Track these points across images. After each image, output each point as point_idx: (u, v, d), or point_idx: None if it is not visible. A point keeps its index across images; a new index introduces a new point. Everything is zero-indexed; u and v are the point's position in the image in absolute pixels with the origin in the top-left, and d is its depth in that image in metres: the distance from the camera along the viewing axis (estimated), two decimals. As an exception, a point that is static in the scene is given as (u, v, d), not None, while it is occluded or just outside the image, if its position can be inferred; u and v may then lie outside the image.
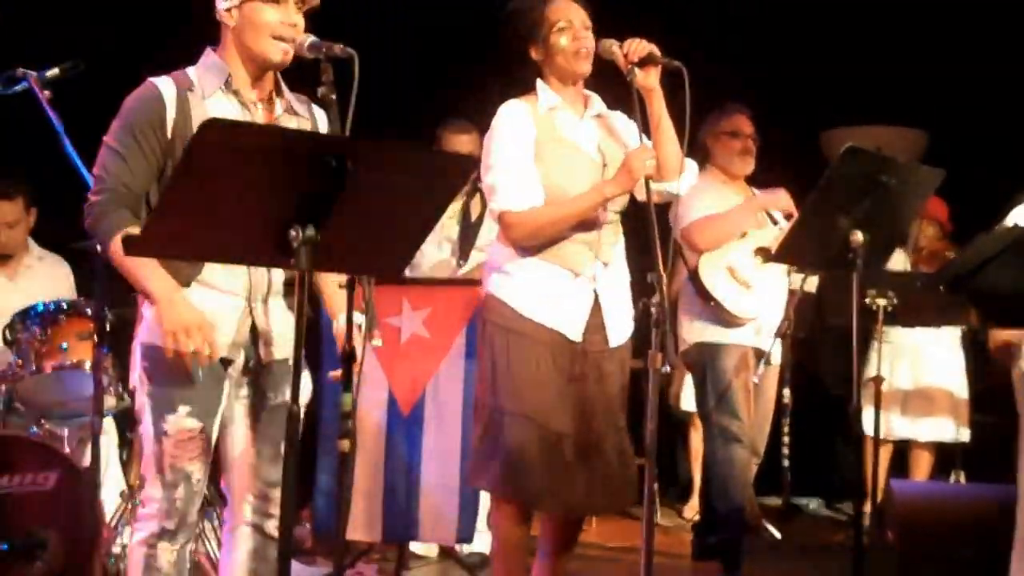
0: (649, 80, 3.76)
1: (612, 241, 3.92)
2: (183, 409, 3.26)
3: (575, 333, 3.82)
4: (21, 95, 3.90)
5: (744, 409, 5.32)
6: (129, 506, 4.45)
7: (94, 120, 4.49)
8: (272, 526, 3.39)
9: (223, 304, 3.31)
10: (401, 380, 5.10)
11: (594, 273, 3.85)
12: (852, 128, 7.16)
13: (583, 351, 3.83)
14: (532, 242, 3.81)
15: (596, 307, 3.86)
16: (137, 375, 3.34)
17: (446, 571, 5.45)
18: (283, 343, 3.35)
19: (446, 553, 5.56)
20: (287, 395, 3.24)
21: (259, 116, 3.33)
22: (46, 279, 5.30)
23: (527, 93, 3.91)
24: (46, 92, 3.79)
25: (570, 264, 3.83)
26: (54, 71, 3.87)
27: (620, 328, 3.92)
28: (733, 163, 5.46)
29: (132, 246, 2.73)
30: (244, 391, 3.40)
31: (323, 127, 3.43)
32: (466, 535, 5.15)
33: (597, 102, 4.00)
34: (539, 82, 3.90)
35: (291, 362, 3.23)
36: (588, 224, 3.83)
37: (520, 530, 3.90)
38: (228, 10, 3.31)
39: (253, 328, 3.36)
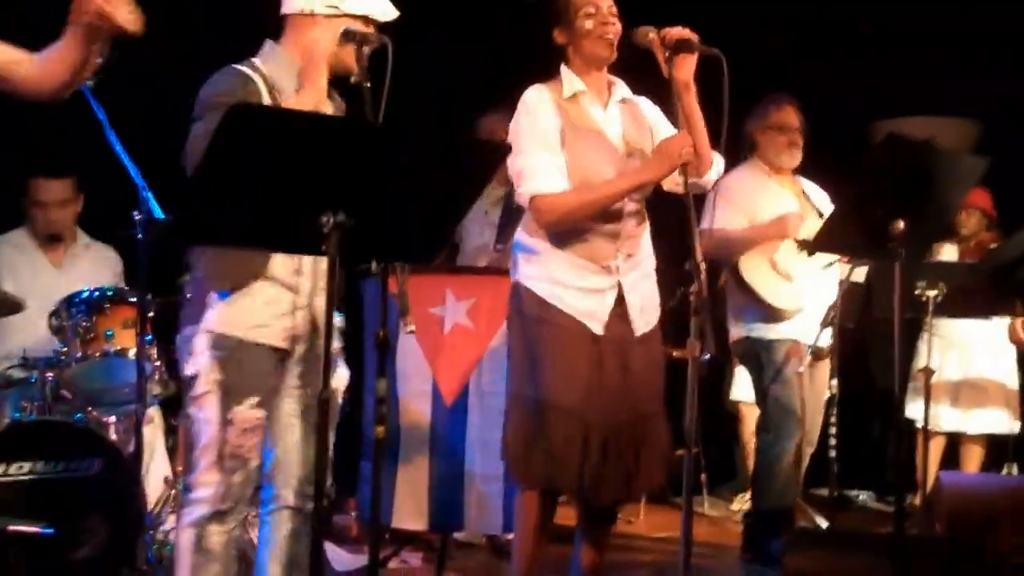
0: (683, 71, 3.71)
1: (636, 232, 3.89)
2: (250, 400, 3.33)
3: (597, 327, 3.81)
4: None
5: (796, 403, 5.30)
6: (173, 492, 4.48)
7: (138, 109, 4.55)
8: (311, 507, 3.41)
9: (284, 297, 3.37)
10: (445, 370, 5.09)
11: (617, 265, 3.84)
12: (902, 119, 7.06)
13: (609, 341, 3.81)
14: (561, 227, 3.78)
15: (620, 298, 3.84)
16: (202, 362, 3.36)
17: (490, 560, 5.45)
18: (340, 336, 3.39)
19: (492, 542, 5.56)
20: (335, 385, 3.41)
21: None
22: (93, 266, 5.32)
23: (551, 79, 3.88)
24: (89, 81, 3.80)
25: (593, 256, 3.81)
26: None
27: (645, 317, 3.90)
28: (780, 157, 5.45)
29: (171, 232, 2.76)
30: (296, 381, 3.45)
31: None
32: (513, 524, 5.14)
33: (622, 87, 3.97)
34: (563, 67, 3.88)
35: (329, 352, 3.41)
36: (612, 215, 3.81)
37: (543, 517, 3.90)
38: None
39: (312, 322, 3.41)
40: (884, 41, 7.14)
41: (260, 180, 2.63)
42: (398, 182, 2.77)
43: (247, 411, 3.32)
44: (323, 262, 3.33)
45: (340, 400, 3.61)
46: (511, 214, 5.62)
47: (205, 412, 3.35)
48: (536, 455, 3.78)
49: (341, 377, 3.59)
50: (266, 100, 3.29)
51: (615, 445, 3.81)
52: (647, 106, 4.00)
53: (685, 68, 3.71)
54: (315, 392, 3.36)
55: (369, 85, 3.18)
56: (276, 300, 3.35)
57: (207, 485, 3.35)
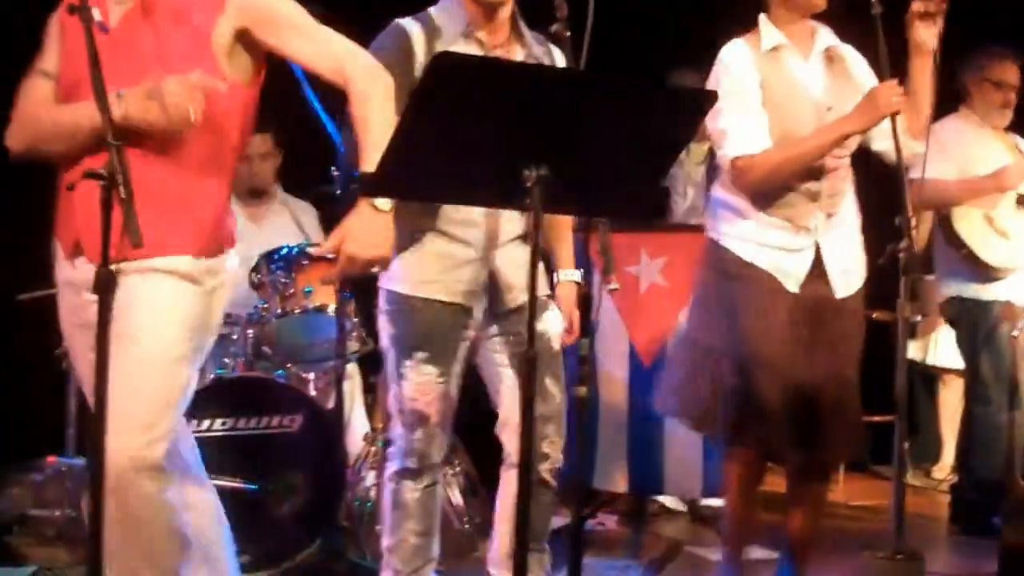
0: (919, 32, 3.55)
1: (839, 190, 3.76)
2: (420, 355, 3.36)
3: (793, 284, 3.69)
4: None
5: (1010, 369, 5.11)
6: (372, 449, 4.51)
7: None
8: (543, 468, 3.47)
9: (459, 253, 3.38)
10: (641, 331, 5.06)
11: (816, 224, 3.70)
12: None
13: (806, 299, 3.69)
14: (765, 187, 3.67)
15: (818, 259, 3.71)
16: (382, 319, 3.46)
17: (689, 526, 5.37)
18: (524, 289, 3.33)
19: (692, 508, 5.47)
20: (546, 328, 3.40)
21: None
22: (291, 223, 5.33)
23: (749, 31, 3.76)
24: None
25: (792, 216, 3.69)
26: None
27: (846, 279, 3.77)
28: (991, 114, 5.26)
29: (367, 187, 2.73)
30: (496, 337, 3.48)
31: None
32: (712, 489, 5.07)
33: (825, 35, 3.80)
34: (762, 18, 3.74)
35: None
36: (812, 172, 3.68)
37: (752, 481, 3.83)
38: None
39: (491, 276, 3.41)
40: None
41: (460, 131, 2.57)
42: (601, 134, 2.68)
43: (418, 365, 3.36)
44: (500, 216, 3.39)
45: (556, 344, 3.53)
46: (715, 171, 5.50)
47: (387, 367, 3.46)
48: (740, 412, 3.68)
49: (552, 320, 3.52)
50: (421, 52, 3.28)
51: (818, 406, 3.68)
52: (854, 58, 3.83)
53: (922, 30, 3.55)
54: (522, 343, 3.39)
55: (570, 33, 3.12)
56: (446, 255, 3.37)
57: (396, 441, 3.45)
